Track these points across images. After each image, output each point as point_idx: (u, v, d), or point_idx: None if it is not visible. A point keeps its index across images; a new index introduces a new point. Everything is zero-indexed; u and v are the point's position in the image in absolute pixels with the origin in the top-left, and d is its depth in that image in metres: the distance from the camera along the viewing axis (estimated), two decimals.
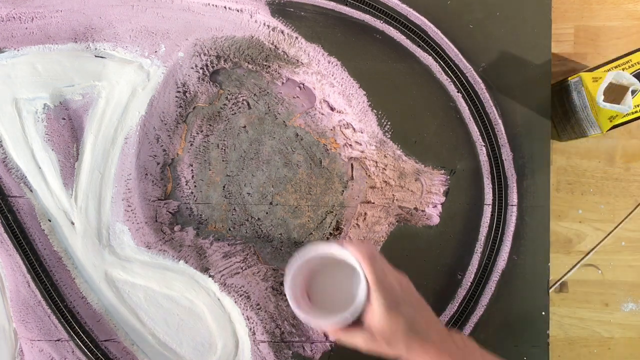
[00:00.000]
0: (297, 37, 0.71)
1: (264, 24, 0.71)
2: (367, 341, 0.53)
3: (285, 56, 0.71)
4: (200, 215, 0.72)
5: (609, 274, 0.76)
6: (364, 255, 0.52)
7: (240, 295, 0.71)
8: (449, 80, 0.71)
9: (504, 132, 0.72)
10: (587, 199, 0.76)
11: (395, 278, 0.54)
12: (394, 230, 0.72)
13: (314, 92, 0.73)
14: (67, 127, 0.70)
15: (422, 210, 0.72)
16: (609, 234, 0.76)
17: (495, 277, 0.71)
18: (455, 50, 0.72)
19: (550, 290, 0.74)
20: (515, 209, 0.71)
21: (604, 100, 0.65)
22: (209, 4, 0.71)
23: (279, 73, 0.72)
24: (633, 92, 0.65)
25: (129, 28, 0.71)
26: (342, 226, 0.72)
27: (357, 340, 0.54)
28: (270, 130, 0.72)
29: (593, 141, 0.76)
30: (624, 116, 0.68)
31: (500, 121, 0.72)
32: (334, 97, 0.72)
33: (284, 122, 0.72)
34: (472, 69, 0.72)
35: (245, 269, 0.71)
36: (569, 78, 0.69)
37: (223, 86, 0.72)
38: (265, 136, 0.72)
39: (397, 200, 0.72)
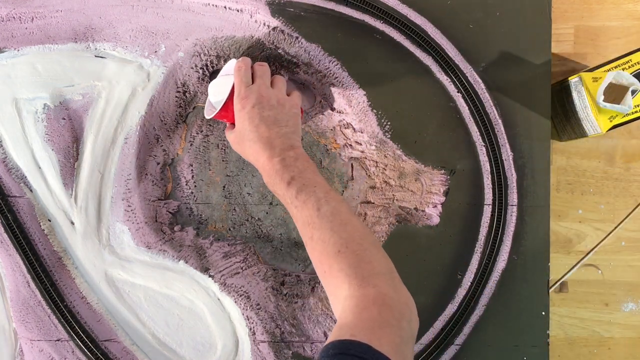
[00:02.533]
0: (297, 37, 0.71)
1: (264, 24, 0.71)
2: (233, 139, 0.64)
3: (286, 56, 0.71)
4: (200, 215, 0.72)
5: (609, 274, 0.76)
6: (235, 67, 0.64)
7: (240, 295, 0.71)
8: (449, 80, 0.71)
9: (504, 132, 0.72)
10: (587, 199, 0.76)
11: (260, 88, 0.62)
12: (394, 230, 0.72)
13: (314, 92, 0.73)
14: (67, 127, 0.70)
15: (422, 210, 0.72)
16: (609, 234, 0.76)
17: (495, 277, 0.71)
18: (455, 50, 0.71)
19: (550, 290, 0.74)
20: (515, 209, 0.71)
21: (604, 100, 0.65)
22: (209, 4, 0.71)
23: (279, 73, 0.72)
24: (633, 92, 0.65)
25: (129, 28, 0.71)
26: None
27: (229, 137, 0.65)
28: None
29: (593, 141, 0.76)
30: (624, 116, 0.68)
31: (500, 121, 0.72)
32: (334, 97, 0.72)
33: None
34: (472, 69, 0.72)
35: (245, 269, 0.71)
36: (569, 78, 0.69)
37: None
38: None
39: (397, 200, 0.72)
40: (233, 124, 0.65)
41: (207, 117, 0.66)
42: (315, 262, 0.55)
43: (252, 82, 0.63)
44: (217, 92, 0.66)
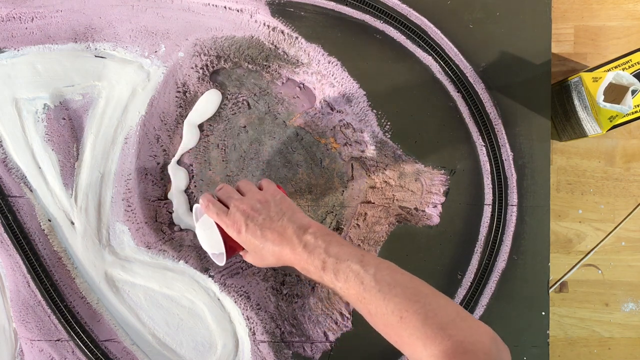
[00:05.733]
0: (297, 37, 0.71)
1: (264, 24, 0.71)
2: (253, 260, 0.61)
3: (285, 56, 0.71)
4: None
5: (609, 274, 0.76)
6: (204, 208, 0.61)
7: (240, 295, 0.71)
8: (449, 80, 0.72)
9: (504, 132, 0.72)
10: (587, 199, 0.76)
11: (237, 206, 0.59)
12: (394, 230, 0.72)
13: (314, 92, 0.73)
14: (67, 127, 0.70)
15: (422, 210, 0.72)
16: (609, 234, 0.76)
17: (495, 277, 0.71)
18: (455, 50, 0.72)
19: (550, 290, 0.74)
20: (515, 209, 0.71)
21: (604, 100, 0.65)
22: (209, 4, 0.71)
23: (279, 73, 0.72)
24: (633, 92, 0.65)
25: (129, 28, 0.71)
26: (342, 226, 0.73)
27: (250, 261, 0.62)
28: (270, 130, 0.72)
29: (593, 141, 0.76)
30: (624, 116, 0.68)
31: (500, 121, 0.72)
32: (334, 97, 0.72)
33: (284, 122, 0.72)
34: (472, 69, 0.72)
35: (245, 269, 0.71)
36: (569, 78, 0.69)
37: (223, 86, 0.72)
38: (265, 136, 0.72)
39: (397, 200, 0.72)
40: (244, 249, 0.62)
41: (222, 264, 0.62)
42: (384, 334, 0.54)
43: (227, 207, 0.60)
44: (210, 243, 0.62)
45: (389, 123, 0.72)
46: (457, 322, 0.50)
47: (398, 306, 0.51)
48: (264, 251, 0.58)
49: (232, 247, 0.60)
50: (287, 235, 0.57)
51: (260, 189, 0.62)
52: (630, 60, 0.69)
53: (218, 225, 0.60)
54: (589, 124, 0.68)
